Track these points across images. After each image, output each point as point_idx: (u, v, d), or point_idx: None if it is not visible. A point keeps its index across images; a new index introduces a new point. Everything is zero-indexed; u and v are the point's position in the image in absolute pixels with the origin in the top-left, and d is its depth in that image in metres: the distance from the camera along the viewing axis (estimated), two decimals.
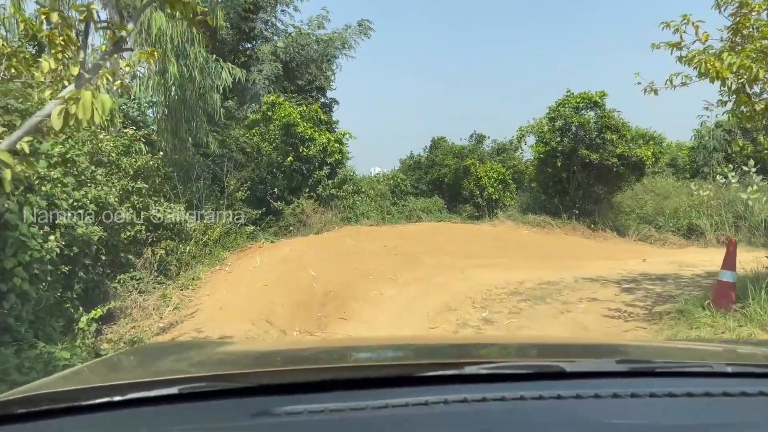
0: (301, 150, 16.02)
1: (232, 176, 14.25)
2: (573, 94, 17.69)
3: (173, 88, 11.46)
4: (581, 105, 17.42)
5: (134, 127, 9.62)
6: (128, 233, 9.08)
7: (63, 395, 1.08)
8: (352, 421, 0.95)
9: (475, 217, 19.20)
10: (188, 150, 12.76)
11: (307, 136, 16.15)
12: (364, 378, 1.13)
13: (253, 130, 16.66)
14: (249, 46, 21.11)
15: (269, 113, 16.82)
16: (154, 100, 11.65)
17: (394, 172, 19.42)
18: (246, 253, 12.33)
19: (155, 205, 9.53)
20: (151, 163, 9.77)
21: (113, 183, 8.70)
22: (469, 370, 1.12)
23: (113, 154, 8.90)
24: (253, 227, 13.68)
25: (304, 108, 17.05)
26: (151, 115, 13.86)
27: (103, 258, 7.95)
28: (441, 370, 1.16)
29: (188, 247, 11.21)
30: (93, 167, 8.39)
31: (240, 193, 14.18)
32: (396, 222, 17.21)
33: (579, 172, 17.51)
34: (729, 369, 1.24)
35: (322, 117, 17.20)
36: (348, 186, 16.80)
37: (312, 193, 16.32)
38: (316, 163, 16.42)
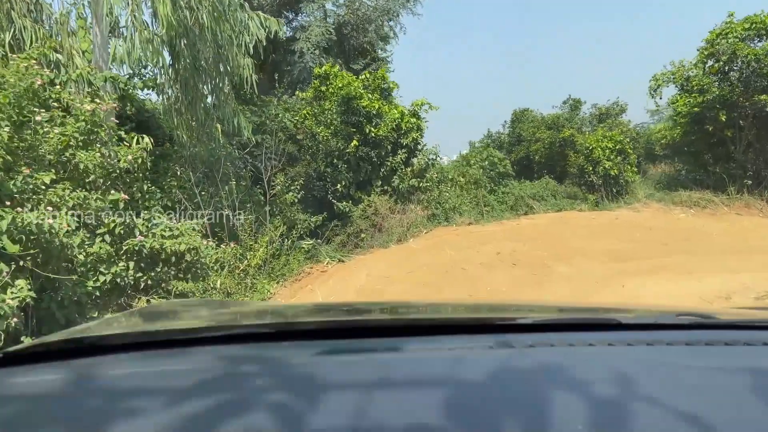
0: (367, 131, 11.97)
1: (278, 172, 10.34)
2: (735, 20, 12.64)
3: (179, 44, 7.66)
4: (750, 34, 12.37)
5: (98, 101, 5.89)
6: (101, 277, 5.31)
7: (131, 336, 1.12)
8: (419, 360, 0.96)
9: (593, 202, 14.55)
10: (213, 137, 8.95)
11: (374, 112, 12.08)
12: (424, 326, 1.16)
13: (304, 111, 12.76)
14: (291, 16, 17.26)
15: (322, 88, 12.88)
16: (148, 64, 7.88)
17: (488, 150, 15.01)
18: (304, 282, 8.42)
19: (147, 224, 5.70)
20: (135, 157, 5.94)
21: (59, 195, 4.91)
22: (521, 321, 1.12)
23: (57, 145, 5.13)
24: (311, 241, 9.77)
25: (367, 76, 12.97)
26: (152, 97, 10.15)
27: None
28: (498, 321, 1.17)
29: (218, 281, 7.41)
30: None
31: (291, 194, 10.26)
32: (500, 216, 12.86)
33: (749, 127, 12.52)
34: None
35: (391, 85, 13.06)
36: (431, 173, 12.59)
37: (386, 187, 12.27)
38: (389, 147, 12.33)
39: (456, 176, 13.48)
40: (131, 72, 8.09)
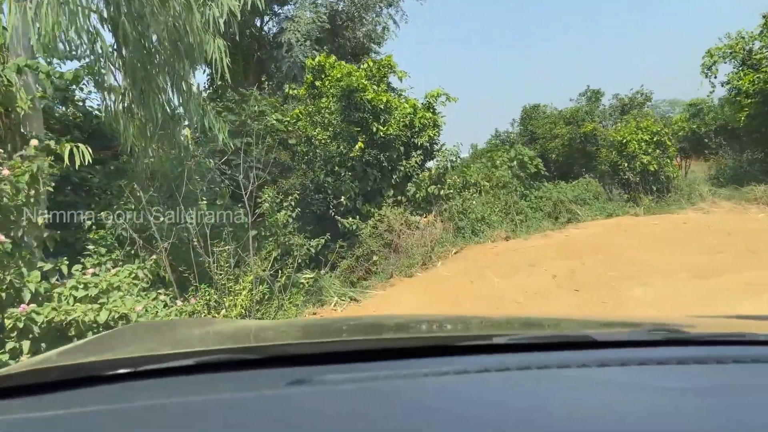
0: (374, 129, 9.81)
1: (266, 186, 8.12)
2: None
3: (119, 16, 5.53)
4: None
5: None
6: None
7: (80, 367, 1.05)
8: (385, 387, 0.94)
9: (649, 204, 12.32)
10: (177, 144, 6.76)
11: (382, 106, 9.91)
12: (392, 348, 1.13)
13: (296, 110, 10.59)
14: (278, 8, 15.10)
15: (317, 83, 10.72)
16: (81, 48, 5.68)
17: (516, 147, 12.78)
18: None
19: (46, 283, 3.48)
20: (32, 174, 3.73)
21: None
22: (497, 340, 1.11)
23: None
24: (312, 274, 7.52)
25: (370, 64, 10.81)
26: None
27: None
28: (471, 341, 1.17)
29: None
30: None
31: (284, 213, 8.01)
32: (538, 227, 10.64)
33: None
34: (762, 338, 1.23)
35: (400, 74, 10.88)
36: (453, 177, 10.40)
37: (400, 197, 10.09)
38: (401, 148, 10.16)
39: (480, 179, 11.27)
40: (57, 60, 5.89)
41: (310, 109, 10.67)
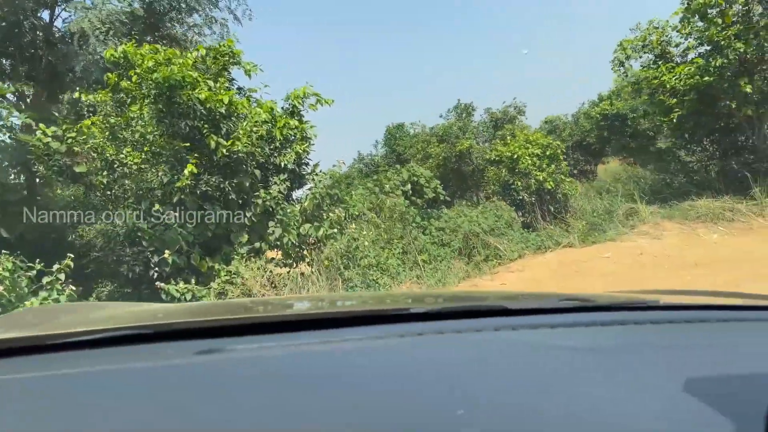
0: (213, 145, 6.48)
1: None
2: None
3: None
4: None
5: None
6: None
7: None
8: (299, 354, 0.93)
9: (583, 232, 10.33)
10: None
11: (223, 110, 6.63)
12: (314, 320, 1.13)
13: (86, 122, 6.93)
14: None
15: (123, 83, 7.13)
16: None
17: (409, 167, 10.10)
18: None
19: None
20: None
21: None
22: (414, 310, 1.12)
23: None
24: None
25: (202, 51, 7.44)
26: None
27: None
28: (389, 312, 1.17)
29: None
30: None
31: (57, 291, 4.30)
32: (447, 269, 7.92)
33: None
34: (662, 304, 1.30)
35: (246, 67, 7.61)
36: (336, 211, 7.36)
37: (259, 243, 6.82)
38: (255, 171, 6.93)
39: (366, 210, 8.37)
40: None
41: (113, 122, 7.05)
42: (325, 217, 7.17)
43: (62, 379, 0.83)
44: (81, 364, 0.89)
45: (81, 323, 1.39)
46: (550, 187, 11.74)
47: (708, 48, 9.18)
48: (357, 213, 8.35)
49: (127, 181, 6.87)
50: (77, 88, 8.49)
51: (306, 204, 7.10)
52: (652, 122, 11.16)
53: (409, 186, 9.18)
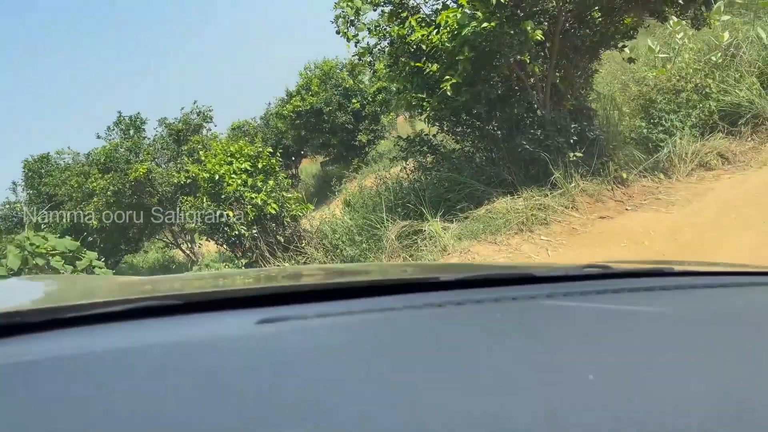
0: None
1: None
2: None
3: None
4: None
5: None
6: None
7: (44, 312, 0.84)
8: (343, 322, 0.90)
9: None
10: None
11: None
12: (349, 288, 1.09)
13: None
14: None
15: None
16: None
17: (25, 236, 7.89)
18: None
19: None
20: None
21: None
22: (444, 277, 1.12)
23: None
24: None
25: None
26: None
27: None
28: (422, 280, 1.17)
29: None
30: None
31: None
32: None
33: (558, 55, 6.87)
34: (685, 268, 1.35)
35: None
36: None
37: None
38: None
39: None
40: None
41: None
42: None
43: (112, 354, 0.71)
44: (125, 338, 0.77)
45: (108, 293, 1.29)
46: (273, 212, 8.46)
47: None
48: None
49: None
50: None
51: None
52: (405, 101, 7.71)
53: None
